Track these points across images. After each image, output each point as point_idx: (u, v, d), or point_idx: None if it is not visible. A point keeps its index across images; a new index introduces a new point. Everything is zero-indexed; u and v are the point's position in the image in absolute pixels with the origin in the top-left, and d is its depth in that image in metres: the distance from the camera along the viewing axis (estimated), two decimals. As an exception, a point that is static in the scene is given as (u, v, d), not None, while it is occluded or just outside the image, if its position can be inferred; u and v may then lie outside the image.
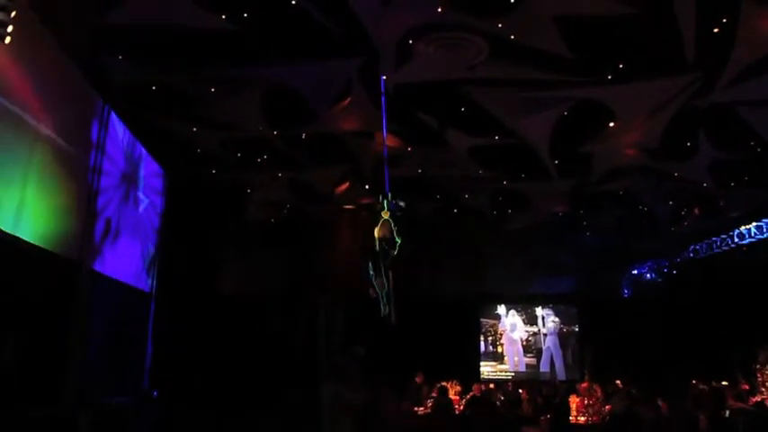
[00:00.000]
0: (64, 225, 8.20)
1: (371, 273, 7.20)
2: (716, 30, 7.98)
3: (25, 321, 7.05)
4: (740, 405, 9.61)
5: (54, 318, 7.94)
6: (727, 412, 9.09)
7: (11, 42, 6.02)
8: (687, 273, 16.85)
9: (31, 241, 7.18)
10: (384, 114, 8.09)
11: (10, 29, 5.93)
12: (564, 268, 18.01)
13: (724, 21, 7.82)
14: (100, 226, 9.26)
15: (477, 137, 11.39)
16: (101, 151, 9.01)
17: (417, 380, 13.01)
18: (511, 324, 18.29)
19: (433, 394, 12.07)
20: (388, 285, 7.17)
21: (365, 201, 14.44)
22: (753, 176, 12.41)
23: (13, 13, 5.96)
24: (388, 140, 10.83)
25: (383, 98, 8.20)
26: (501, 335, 18.27)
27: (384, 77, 8.62)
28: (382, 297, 7.18)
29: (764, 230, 13.34)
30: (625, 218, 15.51)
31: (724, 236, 14.67)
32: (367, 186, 13.40)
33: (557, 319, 18.32)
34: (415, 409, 11.42)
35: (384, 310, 7.17)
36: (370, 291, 7.21)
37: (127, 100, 9.63)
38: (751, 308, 14.70)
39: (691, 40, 8.11)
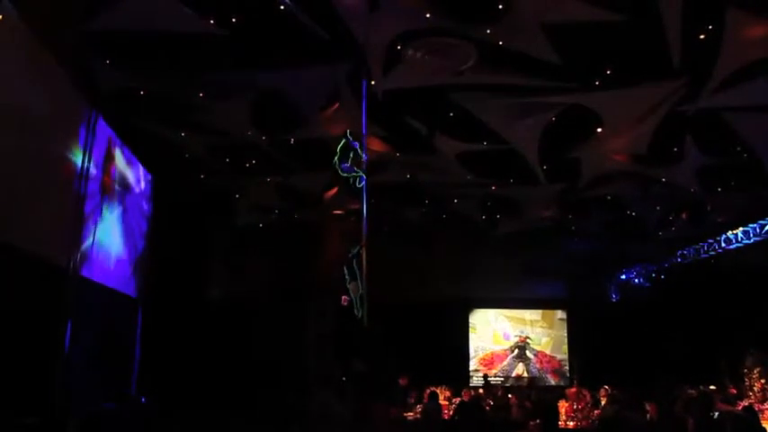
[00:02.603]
0: (51, 230, 8.14)
1: (347, 277, 7.23)
2: (702, 36, 8.05)
3: (11, 328, 6.98)
4: (728, 408, 9.65)
5: (41, 324, 7.87)
6: (716, 415, 9.12)
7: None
8: (675, 278, 16.94)
9: (19, 247, 7.12)
10: (364, 116, 8.12)
11: None
12: (552, 273, 18.08)
13: (710, 27, 7.89)
14: (87, 231, 9.19)
15: (466, 142, 11.42)
16: (88, 156, 8.95)
17: (402, 381, 12.99)
18: (500, 329, 18.34)
19: (416, 394, 12.08)
20: (362, 289, 7.20)
21: (354, 206, 14.40)
22: (739, 181, 12.48)
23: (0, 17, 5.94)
24: (378, 146, 10.89)
25: (363, 101, 8.24)
26: (491, 339, 18.31)
27: (365, 81, 8.68)
28: (356, 301, 7.20)
29: (751, 235, 13.41)
30: (613, 223, 15.57)
31: (711, 241, 14.74)
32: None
33: (545, 324, 18.38)
34: (405, 414, 11.40)
35: (357, 313, 7.20)
36: (343, 298, 7.23)
37: (114, 105, 9.58)
38: (738, 312, 14.79)
39: (677, 47, 8.19)
